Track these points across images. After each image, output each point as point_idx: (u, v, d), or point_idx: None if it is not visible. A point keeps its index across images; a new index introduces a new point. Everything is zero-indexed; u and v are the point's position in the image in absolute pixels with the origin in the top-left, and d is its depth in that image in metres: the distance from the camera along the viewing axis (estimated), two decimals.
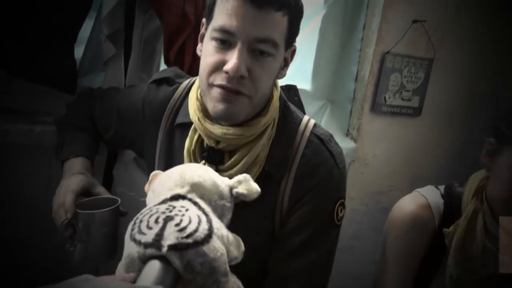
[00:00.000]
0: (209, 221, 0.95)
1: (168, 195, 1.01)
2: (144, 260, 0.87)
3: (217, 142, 1.37)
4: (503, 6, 3.04)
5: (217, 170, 1.34)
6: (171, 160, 1.51)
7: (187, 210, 0.95)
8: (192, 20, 2.01)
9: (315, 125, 1.49)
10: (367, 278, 1.95)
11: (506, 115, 1.46)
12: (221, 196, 1.08)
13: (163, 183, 1.07)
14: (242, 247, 1.05)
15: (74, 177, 1.51)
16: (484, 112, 3.14)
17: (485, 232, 1.50)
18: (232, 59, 1.23)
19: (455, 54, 3.02)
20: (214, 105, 1.30)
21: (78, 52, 2.24)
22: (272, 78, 1.36)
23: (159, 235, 0.87)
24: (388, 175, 3.11)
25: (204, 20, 1.37)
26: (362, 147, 2.97)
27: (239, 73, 1.25)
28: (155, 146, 1.55)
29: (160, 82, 1.60)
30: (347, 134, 3.01)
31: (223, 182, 1.11)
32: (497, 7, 3.02)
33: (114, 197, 1.45)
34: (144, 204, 1.07)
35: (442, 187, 1.69)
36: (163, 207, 0.96)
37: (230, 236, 1.02)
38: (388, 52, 2.80)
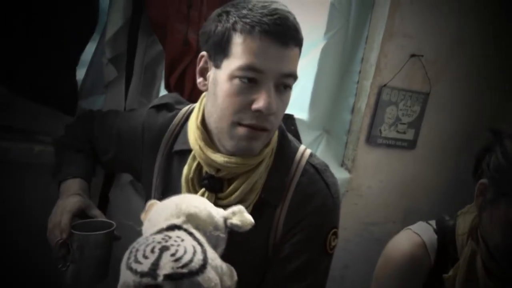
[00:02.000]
0: (204, 251, 0.96)
1: (164, 225, 1.02)
2: None
3: (217, 170, 1.38)
4: (499, 44, 3.08)
5: (216, 198, 1.36)
6: (168, 186, 1.51)
7: (182, 240, 0.97)
8: (194, 47, 2.03)
9: (311, 154, 1.50)
10: None
11: (506, 168, 1.41)
12: (216, 227, 1.09)
13: (159, 213, 1.08)
14: (235, 277, 1.07)
15: (70, 198, 1.52)
16: (478, 146, 3.17)
17: (485, 272, 1.49)
18: (263, 97, 1.25)
19: (451, 89, 3.06)
20: (237, 143, 1.32)
21: (80, 74, 2.25)
22: (286, 109, 1.39)
23: (155, 265, 0.88)
24: (382, 207, 3.13)
25: (205, 54, 1.37)
26: (357, 178, 2.99)
27: (272, 111, 1.27)
28: (153, 172, 1.55)
29: (160, 107, 1.61)
30: (342, 164, 3.03)
31: (218, 213, 1.13)
32: (492, 45, 3.07)
33: (109, 220, 1.46)
34: (140, 232, 1.09)
35: (433, 222, 1.68)
36: (159, 236, 0.97)
37: (224, 266, 1.03)
38: (385, 85, 2.84)
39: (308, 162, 1.47)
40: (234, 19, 1.27)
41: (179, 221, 1.03)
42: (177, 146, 1.51)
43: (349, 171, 2.97)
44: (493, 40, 3.08)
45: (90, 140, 1.77)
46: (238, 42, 1.25)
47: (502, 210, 1.39)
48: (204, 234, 1.05)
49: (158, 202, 1.16)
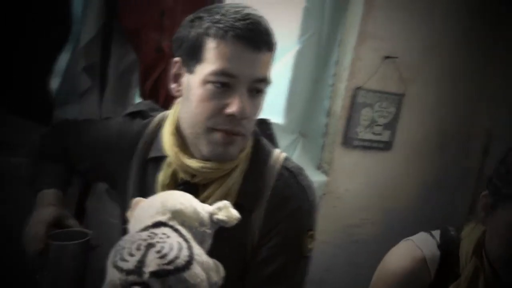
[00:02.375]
0: (190, 247, 0.96)
1: (150, 222, 1.02)
2: (126, 286, 0.88)
3: (193, 176, 1.38)
4: (473, 45, 3.12)
5: None
6: (144, 193, 1.49)
7: (168, 237, 0.96)
8: (167, 54, 2.03)
9: (286, 158, 1.51)
10: None
11: (505, 174, 1.40)
12: (202, 223, 1.09)
13: (145, 210, 1.08)
14: (222, 272, 1.07)
15: (46, 208, 1.51)
16: (453, 146, 3.21)
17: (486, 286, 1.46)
18: (236, 102, 1.25)
19: (426, 90, 3.10)
20: (213, 148, 1.32)
21: (55, 83, 2.24)
22: (259, 114, 1.39)
23: (141, 262, 0.89)
24: (360, 208, 3.14)
25: (179, 59, 1.37)
26: (334, 180, 3.01)
27: (245, 116, 1.27)
28: (128, 179, 1.55)
29: (134, 115, 1.61)
30: (319, 167, 3.04)
31: (203, 209, 1.13)
32: (466, 46, 3.10)
33: (85, 230, 1.46)
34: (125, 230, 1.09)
35: (436, 233, 1.62)
36: (144, 234, 0.97)
37: (210, 261, 1.03)
38: (360, 88, 2.86)
39: (283, 166, 1.47)
40: (207, 24, 1.27)
41: (164, 218, 1.03)
42: (152, 153, 1.50)
43: (326, 174, 2.98)
44: (466, 42, 3.12)
45: (66, 149, 1.76)
46: (211, 47, 1.26)
47: (500, 215, 1.38)
48: (190, 230, 1.05)
49: (143, 199, 1.16)
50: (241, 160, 1.42)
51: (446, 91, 3.18)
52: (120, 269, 0.89)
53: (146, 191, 1.50)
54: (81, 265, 1.40)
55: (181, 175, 1.40)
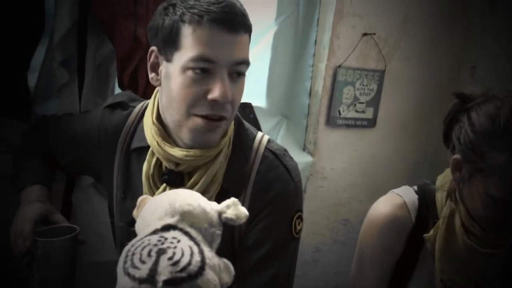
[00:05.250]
0: (201, 251, 0.95)
1: (159, 226, 0.99)
2: None
3: (177, 164, 1.38)
4: (450, 17, 3.13)
5: None
6: (128, 184, 1.50)
7: (178, 241, 0.95)
8: (144, 43, 2.02)
9: (269, 140, 1.50)
10: None
11: (477, 144, 1.39)
12: (211, 224, 1.06)
13: (152, 212, 1.05)
14: (232, 271, 1.05)
15: (31, 205, 1.50)
16: (436, 120, 3.22)
17: (464, 231, 1.51)
18: (218, 87, 1.24)
19: (406, 64, 3.10)
20: (195, 135, 1.31)
21: (32, 79, 2.22)
22: (242, 97, 1.39)
23: (153, 270, 0.87)
24: (346, 187, 3.15)
25: (155, 49, 1.36)
26: (320, 160, 3.01)
27: (228, 100, 1.26)
28: (112, 172, 1.54)
29: (114, 106, 1.59)
30: (304, 148, 3.04)
31: (212, 209, 1.10)
32: (443, 18, 3.11)
33: (72, 225, 1.45)
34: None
35: (415, 186, 1.70)
36: (154, 238, 0.95)
37: (221, 263, 1.01)
38: (340, 66, 2.86)
39: (266, 148, 1.47)
40: (181, 10, 1.26)
41: (173, 220, 1.01)
42: (135, 144, 1.49)
43: (312, 155, 2.99)
44: (442, 13, 3.12)
45: (47, 145, 1.75)
46: (187, 34, 1.25)
47: (480, 186, 1.40)
48: (200, 231, 1.03)
49: (150, 197, 1.13)
50: (225, 145, 1.41)
51: (427, 65, 3.19)
52: (132, 277, 0.87)
53: (131, 182, 1.50)
54: (69, 261, 1.39)
55: (165, 164, 1.40)
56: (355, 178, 3.16)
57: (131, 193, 1.47)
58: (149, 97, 1.52)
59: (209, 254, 0.97)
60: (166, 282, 0.86)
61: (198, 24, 1.23)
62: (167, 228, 0.99)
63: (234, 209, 1.11)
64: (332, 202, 3.14)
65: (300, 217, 1.47)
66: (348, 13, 2.82)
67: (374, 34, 2.89)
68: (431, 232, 1.56)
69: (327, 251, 3.15)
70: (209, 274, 0.92)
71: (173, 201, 1.05)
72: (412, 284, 1.64)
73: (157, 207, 1.05)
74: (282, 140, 2.90)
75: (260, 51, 2.86)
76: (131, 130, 1.52)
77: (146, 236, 0.97)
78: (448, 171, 1.60)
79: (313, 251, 3.12)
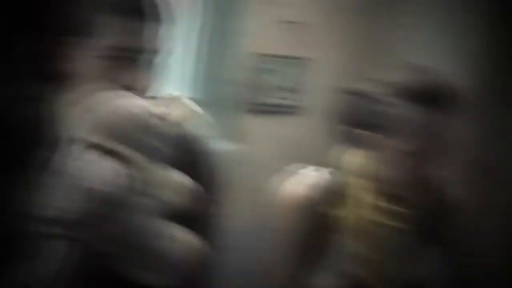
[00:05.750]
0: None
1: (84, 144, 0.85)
2: None
3: None
4: (375, 7, 3.18)
5: None
6: None
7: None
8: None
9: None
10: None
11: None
12: (150, 134, 0.91)
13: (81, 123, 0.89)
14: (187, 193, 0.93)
15: None
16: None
17: (375, 208, 1.54)
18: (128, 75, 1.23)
19: (328, 53, 3.13)
20: None
21: None
22: (152, 85, 1.37)
23: None
24: (274, 174, 3.17)
25: (67, 39, 1.33)
26: (246, 148, 3.02)
27: (138, 88, 1.25)
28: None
29: None
30: (230, 137, 3.04)
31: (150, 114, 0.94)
32: (369, 8, 3.16)
33: None
34: None
35: (325, 166, 1.72)
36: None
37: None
38: (262, 54, 2.86)
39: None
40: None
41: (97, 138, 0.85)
42: None
43: (238, 143, 2.99)
44: (369, 3, 3.17)
45: None
46: (97, 24, 1.23)
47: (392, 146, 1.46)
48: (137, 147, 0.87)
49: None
50: None
51: (351, 54, 3.23)
52: None
53: None
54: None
55: None
56: (282, 164, 3.17)
57: None
58: None
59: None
60: None
61: (107, 13, 1.22)
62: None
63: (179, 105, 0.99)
64: (257, 188, 3.14)
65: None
66: (270, 1, 2.82)
67: (297, 22, 2.90)
68: (341, 210, 1.58)
69: (252, 238, 3.16)
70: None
71: (98, 112, 0.89)
72: (324, 262, 1.64)
73: (85, 117, 0.89)
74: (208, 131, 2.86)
75: (183, 44, 2.85)
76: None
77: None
78: (351, 152, 1.65)
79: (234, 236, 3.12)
